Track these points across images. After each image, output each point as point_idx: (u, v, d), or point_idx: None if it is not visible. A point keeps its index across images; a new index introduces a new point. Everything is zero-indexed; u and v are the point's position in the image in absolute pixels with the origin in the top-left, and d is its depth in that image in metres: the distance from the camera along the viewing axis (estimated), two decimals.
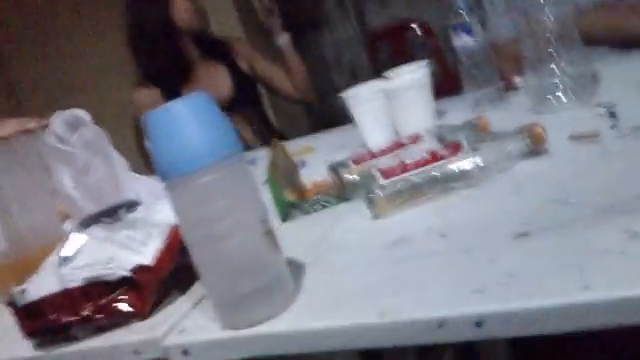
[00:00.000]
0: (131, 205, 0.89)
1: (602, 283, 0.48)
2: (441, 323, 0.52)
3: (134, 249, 0.78)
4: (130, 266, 0.73)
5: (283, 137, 2.07)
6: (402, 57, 3.09)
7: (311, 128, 3.40)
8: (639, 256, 0.50)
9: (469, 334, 0.51)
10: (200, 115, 0.60)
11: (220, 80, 2.18)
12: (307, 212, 0.94)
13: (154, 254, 0.77)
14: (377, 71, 1.27)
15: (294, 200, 0.97)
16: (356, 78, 3.48)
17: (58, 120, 0.98)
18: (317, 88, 3.47)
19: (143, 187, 1.07)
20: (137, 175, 1.09)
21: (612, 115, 0.89)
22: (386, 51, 3.58)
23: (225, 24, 3.04)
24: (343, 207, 0.92)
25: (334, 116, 1.45)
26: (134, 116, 2.16)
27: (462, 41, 1.17)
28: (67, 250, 0.79)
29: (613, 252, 0.52)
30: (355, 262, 0.70)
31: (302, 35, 3.79)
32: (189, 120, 0.59)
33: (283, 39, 2.13)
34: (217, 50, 2.21)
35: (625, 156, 0.73)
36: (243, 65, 2.23)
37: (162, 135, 0.60)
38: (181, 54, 2.13)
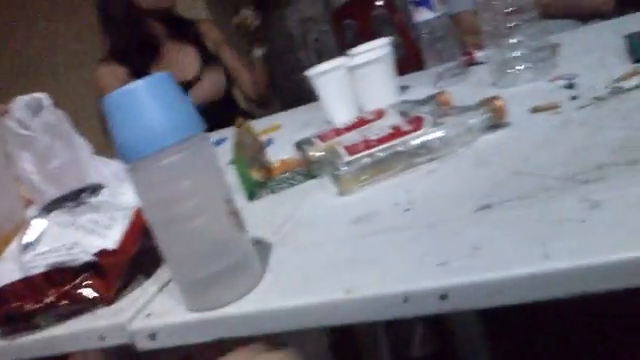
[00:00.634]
0: (95, 189, 0.87)
1: (563, 252, 0.49)
2: (406, 297, 0.52)
3: (98, 233, 0.77)
4: (94, 250, 0.72)
5: (250, 116, 2.07)
6: (367, 34, 3.09)
7: (278, 106, 3.39)
8: (599, 225, 0.51)
9: (434, 307, 0.52)
10: (160, 95, 0.59)
11: (187, 59, 2.17)
12: (274, 191, 0.94)
13: (118, 238, 0.76)
14: (343, 49, 1.27)
15: (260, 179, 0.97)
16: (322, 56, 3.47)
17: (19, 104, 0.96)
18: (284, 66, 3.45)
19: (107, 170, 1.06)
20: (101, 158, 1.07)
21: (572, 86, 0.90)
22: (351, 28, 3.56)
23: (191, 7, 2.99)
24: (310, 184, 0.92)
25: (301, 94, 1.45)
26: (97, 94, 2.13)
27: (423, 16, 1.17)
28: (29, 236, 0.77)
29: (574, 221, 0.53)
30: (321, 239, 0.70)
31: (267, 13, 3.76)
32: (149, 101, 0.58)
33: (258, 52, 2.25)
34: (185, 30, 2.20)
35: (586, 126, 0.74)
36: (210, 45, 2.22)
37: (122, 117, 0.58)
38: (147, 33, 2.11)
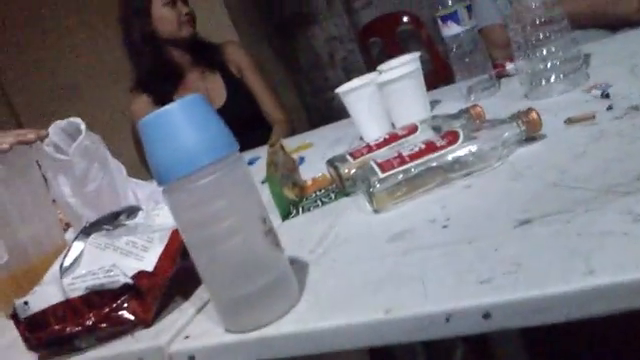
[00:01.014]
0: (132, 211, 0.88)
1: (606, 267, 0.48)
2: (448, 317, 0.52)
3: (136, 255, 0.78)
4: (132, 273, 0.73)
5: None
6: (394, 50, 3.10)
7: (308, 125, 3.40)
8: None
9: (477, 327, 0.51)
10: (194, 117, 0.59)
11: (213, 85, 2.18)
12: (307, 209, 0.94)
13: (155, 260, 0.76)
14: (370, 65, 1.28)
15: (294, 198, 0.97)
16: (350, 73, 3.48)
17: (55, 130, 0.98)
18: (312, 85, 3.47)
19: (142, 192, 1.07)
20: (136, 180, 1.08)
21: (607, 96, 0.88)
22: (378, 45, 3.58)
23: (218, 29, 3.03)
24: (343, 202, 0.92)
25: (331, 112, 1.45)
26: (132, 124, 2.16)
27: (451, 31, 1.16)
28: (68, 259, 0.78)
29: (616, 234, 0.52)
30: (358, 258, 0.70)
31: (293, 33, 3.80)
32: (183, 122, 0.59)
33: None
34: (209, 56, 2.20)
35: (623, 137, 0.73)
36: (233, 69, 2.22)
37: (157, 139, 0.59)
38: (170, 62, 2.13)
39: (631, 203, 0.56)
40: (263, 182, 1.03)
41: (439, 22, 1.18)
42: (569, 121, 0.84)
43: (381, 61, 1.26)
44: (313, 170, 1.08)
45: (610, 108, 0.83)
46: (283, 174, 0.95)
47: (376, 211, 0.81)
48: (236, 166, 0.61)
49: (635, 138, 0.71)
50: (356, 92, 1.17)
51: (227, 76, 2.19)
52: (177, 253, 0.77)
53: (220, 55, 2.22)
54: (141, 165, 1.75)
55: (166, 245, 0.78)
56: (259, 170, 1.08)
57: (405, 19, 3.45)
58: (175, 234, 0.78)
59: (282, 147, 0.99)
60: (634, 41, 1.15)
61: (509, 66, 1.23)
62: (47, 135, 0.96)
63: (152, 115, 0.59)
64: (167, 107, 0.59)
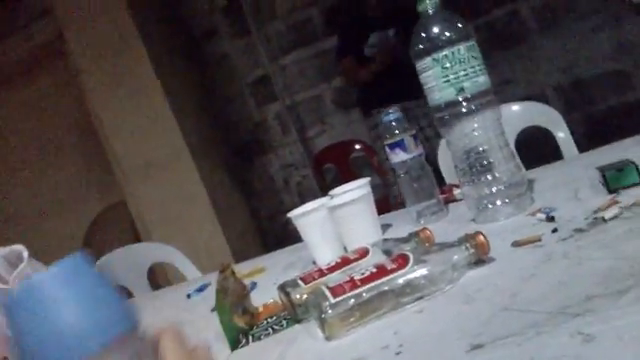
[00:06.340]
0: None
1: None
2: None
3: None
4: None
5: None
6: (347, 176, 3.19)
7: (264, 249, 3.39)
8: (594, 359, 0.50)
9: None
10: (75, 287, 0.44)
11: None
12: (258, 338, 0.91)
13: None
14: (325, 190, 1.30)
15: (244, 326, 0.94)
16: (305, 198, 3.54)
17: None
18: (267, 209, 3.49)
19: None
20: None
21: (551, 219, 0.91)
22: (332, 171, 3.68)
23: (173, 152, 3.06)
24: (295, 330, 0.89)
25: (286, 236, 1.45)
26: None
27: (398, 157, 1.21)
28: None
29: (569, 357, 0.52)
30: None
31: (250, 159, 3.88)
32: (61, 295, 0.43)
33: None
34: None
35: (569, 259, 0.75)
36: None
37: (27, 320, 0.43)
38: None
39: (581, 324, 0.56)
40: (213, 310, 0.99)
41: (387, 150, 1.22)
42: (516, 244, 0.86)
43: (335, 186, 1.28)
44: (265, 296, 1.05)
45: (555, 230, 0.86)
46: (233, 301, 0.93)
47: (328, 338, 0.78)
48: (133, 346, 0.45)
49: (581, 259, 0.73)
50: (308, 216, 1.18)
51: None
52: None
53: None
54: None
55: None
56: (209, 297, 1.05)
57: (357, 146, 3.59)
58: None
59: (233, 272, 0.97)
60: (577, 166, 1.21)
61: (456, 191, 1.27)
62: None
63: (20, 289, 0.44)
64: (39, 275, 0.44)
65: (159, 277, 3.01)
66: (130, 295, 2.02)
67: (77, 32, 3.16)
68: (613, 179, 0.93)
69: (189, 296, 1.44)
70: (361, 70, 2.95)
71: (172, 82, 3.38)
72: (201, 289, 1.45)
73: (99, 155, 3.33)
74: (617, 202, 0.86)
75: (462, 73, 1.00)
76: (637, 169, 0.92)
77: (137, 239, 3.38)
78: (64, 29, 3.18)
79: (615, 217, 0.82)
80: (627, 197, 0.87)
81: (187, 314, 1.27)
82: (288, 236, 1.33)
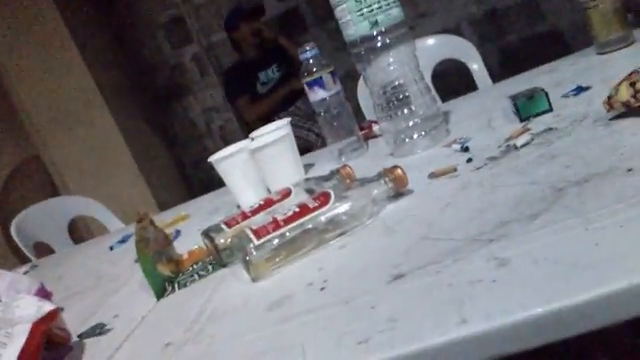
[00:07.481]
0: None
1: (478, 315, 0.49)
2: None
3: None
4: None
5: None
6: None
7: (190, 197, 3.33)
8: (509, 282, 0.52)
9: None
10: None
11: None
12: (184, 285, 0.90)
13: (15, 357, 0.69)
14: (249, 133, 1.28)
15: (169, 274, 0.92)
16: (229, 143, 3.48)
17: None
18: (191, 156, 3.45)
19: (2, 281, 0.98)
20: None
21: (466, 149, 0.93)
22: None
23: (88, 103, 2.92)
24: (221, 274, 0.89)
25: (212, 182, 1.43)
26: None
27: (317, 96, 1.20)
28: None
29: (484, 281, 0.53)
30: (237, 330, 0.67)
31: (169, 106, 3.76)
32: None
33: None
34: None
35: (483, 186, 0.77)
36: None
37: None
38: None
39: (495, 249, 0.58)
40: (136, 261, 0.97)
41: (306, 88, 1.21)
42: (433, 175, 0.88)
43: None
44: (190, 243, 1.04)
45: (470, 160, 0.88)
46: (155, 250, 0.91)
47: (254, 280, 0.78)
48: None
49: (495, 187, 0.75)
50: (229, 160, 1.16)
51: None
52: (39, 348, 0.71)
53: None
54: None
55: (26, 340, 0.71)
56: (132, 248, 1.02)
57: None
58: (36, 327, 0.72)
59: (152, 222, 0.95)
60: (490, 96, 1.24)
61: (375, 127, 1.28)
62: None
63: None
64: None
65: (82, 231, 2.92)
66: (51, 251, 1.96)
67: None
68: (524, 107, 0.95)
69: (112, 248, 1.40)
70: (257, 106, 3.07)
71: (81, 28, 3.20)
72: (123, 240, 1.42)
73: (7, 109, 3.14)
74: (528, 129, 0.89)
75: (376, 6, 0.99)
76: (547, 96, 0.95)
77: (55, 193, 3.25)
78: None
79: (527, 144, 0.84)
80: (538, 124, 0.90)
81: (110, 266, 1.24)
82: (214, 182, 1.31)
